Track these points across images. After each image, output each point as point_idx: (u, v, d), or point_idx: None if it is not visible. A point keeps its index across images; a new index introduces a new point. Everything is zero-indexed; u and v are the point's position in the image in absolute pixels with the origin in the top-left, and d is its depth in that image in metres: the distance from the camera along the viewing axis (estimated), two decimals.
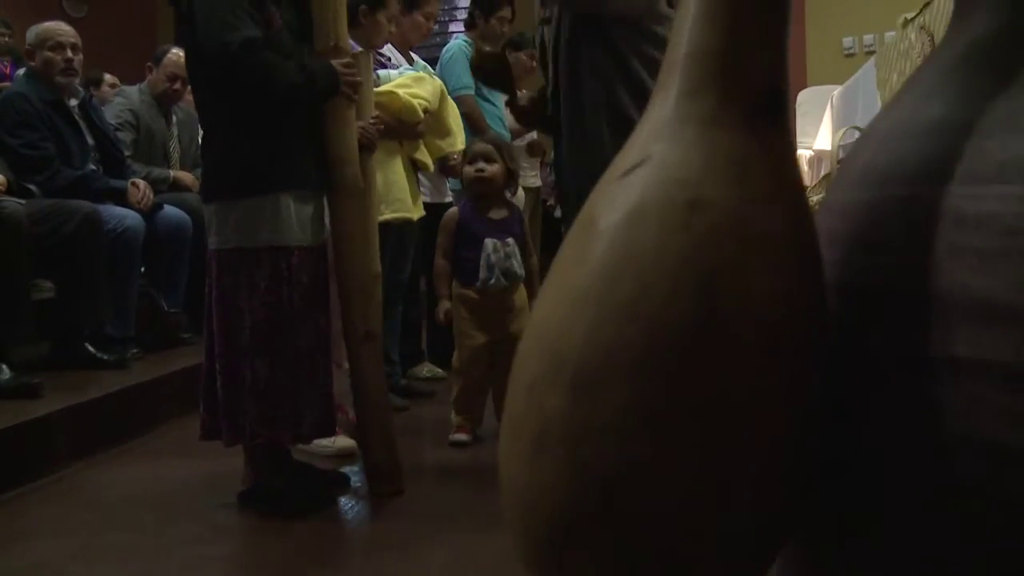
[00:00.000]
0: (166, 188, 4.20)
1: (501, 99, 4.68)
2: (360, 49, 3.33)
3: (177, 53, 4.33)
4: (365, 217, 2.53)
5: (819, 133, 6.09)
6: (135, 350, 3.61)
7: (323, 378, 2.44)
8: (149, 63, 4.27)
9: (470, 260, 2.99)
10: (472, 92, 4.45)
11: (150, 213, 3.74)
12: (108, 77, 7.10)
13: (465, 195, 3.17)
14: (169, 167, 4.31)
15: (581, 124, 2.18)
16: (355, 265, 2.52)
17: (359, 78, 2.49)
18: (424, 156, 3.58)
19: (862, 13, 7.48)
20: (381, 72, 3.47)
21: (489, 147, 3.06)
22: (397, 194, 3.41)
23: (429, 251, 3.83)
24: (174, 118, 4.37)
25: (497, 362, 3.04)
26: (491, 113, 4.54)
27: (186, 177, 4.30)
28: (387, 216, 3.36)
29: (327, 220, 2.51)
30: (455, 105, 3.66)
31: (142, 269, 3.81)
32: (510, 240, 3.02)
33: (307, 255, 2.38)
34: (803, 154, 6.26)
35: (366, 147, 2.74)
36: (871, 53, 7.56)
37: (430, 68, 3.68)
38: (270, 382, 2.30)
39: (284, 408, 2.33)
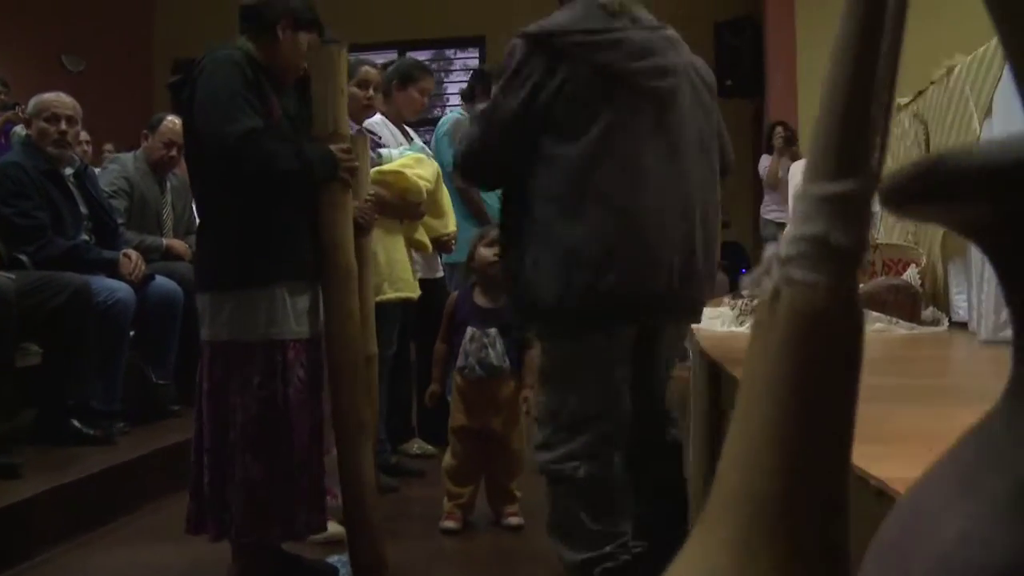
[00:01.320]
0: (159, 256, 4.18)
1: None
2: (358, 128, 3.37)
3: (173, 120, 4.33)
4: (359, 302, 2.51)
5: None
6: (121, 424, 3.55)
7: (316, 470, 2.39)
8: (145, 131, 4.27)
9: (457, 345, 3.03)
10: None
11: (141, 284, 3.70)
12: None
13: (470, 276, 3.16)
14: (162, 235, 4.29)
15: None
16: (347, 354, 2.48)
17: (357, 163, 2.48)
18: (423, 237, 3.59)
19: None
20: (383, 151, 3.49)
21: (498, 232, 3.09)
22: (400, 273, 3.41)
23: (419, 326, 3.82)
24: (168, 185, 4.36)
25: (493, 454, 3.01)
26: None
27: (179, 246, 4.27)
28: (390, 296, 3.36)
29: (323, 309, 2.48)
30: (446, 190, 3.68)
31: (131, 336, 3.76)
32: (491, 330, 3.00)
33: (302, 348, 2.34)
34: None
35: (362, 227, 2.74)
36: None
37: (427, 149, 3.69)
38: (262, 481, 2.25)
39: (276, 507, 2.28)
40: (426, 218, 3.54)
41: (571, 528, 2.11)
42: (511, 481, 3.08)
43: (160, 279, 3.85)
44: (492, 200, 4.56)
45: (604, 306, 2.05)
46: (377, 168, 3.34)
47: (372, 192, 3.02)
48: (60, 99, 3.67)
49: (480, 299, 3.03)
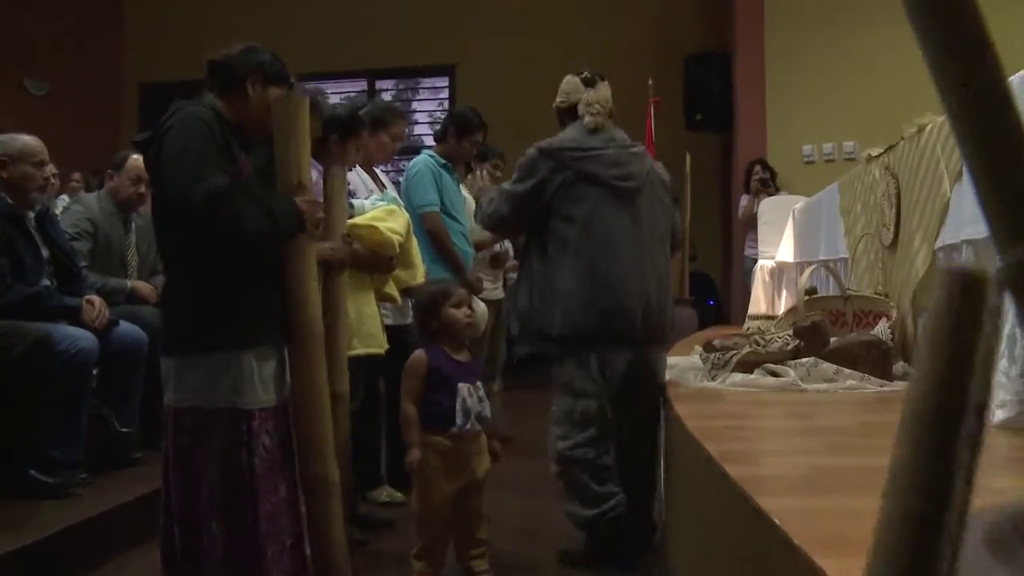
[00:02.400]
0: (123, 299, 4.10)
1: (466, 216, 4.68)
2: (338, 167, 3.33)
3: (137, 158, 4.27)
4: (334, 348, 2.48)
5: (781, 245, 6.15)
6: (83, 476, 3.46)
7: (291, 529, 2.35)
8: (109, 170, 4.19)
9: (440, 404, 2.87)
10: (438, 209, 4.45)
11: (105, 330, 3.62)
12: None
13: (428, 336, 3.04)
14: (127, 276, 4.21)
15: None
16: (314, 417, 2.44)
17: (322, 215, 2.45)
18: (392, 290, 3.55)
19: (822, 122, 7.65)
20: (355, 202, 3.45)
21: (465, 292, 3.05)
22: (370, 328, 3.37)
23: (389, 371, 3.75)
24: (133, 225, 4.28)
25: (461, 506, 2.95)
26: (455, 230, 4.53)
27: (144, 288, 4.19)
28: (359, 351, 3.32)
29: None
30: (415, 240, 3.64)
31: (94, 383, 3.67)
32: (479, 383, 2.96)
33: (268, 416, 2.30)
34: (764, 264, 6.32)
35: (335, 266, 2.70)
36: (830, 161, 7.73)
37: (399, 199, 3.65)
38: (230, 549, 2.20)
39: (247, 574, 2.22)
40: (396, 270, 3.49)
41: (582, 493, 3.08)
42: (480, 526, 3.02)
43: (124, 325, 3.77)
44: (462, 243, 4.55)
45: (589, 337, 3.04)
46: (350, 221, 3.30)
47: (347, 232, 2.99)
48: (39, 143, 3.60)
49: (457, 356, 2.97)
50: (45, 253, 3.65)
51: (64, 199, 5.20)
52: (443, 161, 4.59)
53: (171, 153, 2.18)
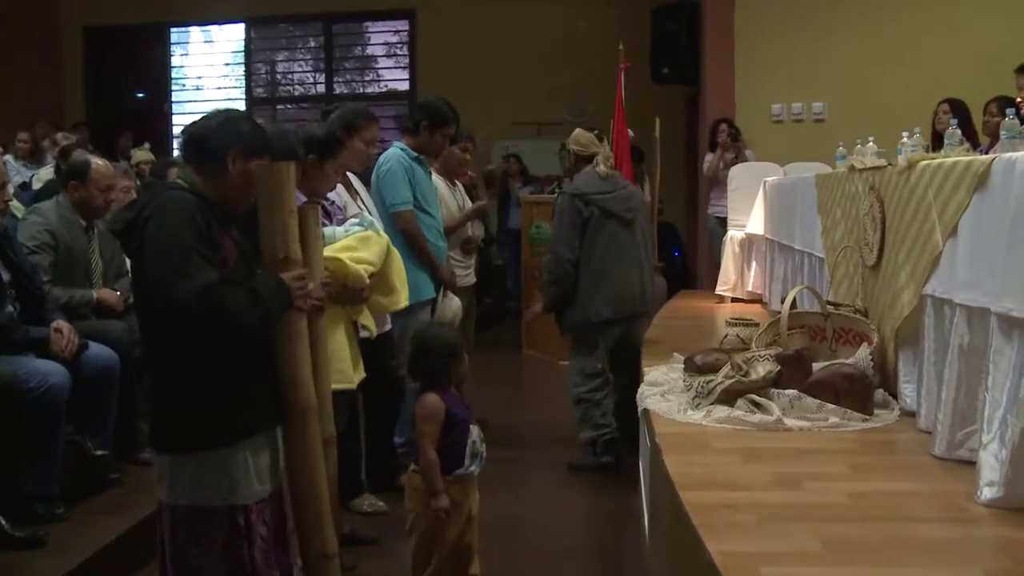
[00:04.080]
0: (90, 312, 3.98)
1: (439, 211, 4.60)
2: (305, 200, 3.21)
3: (98, 162, 4.10)
4: (320, 440, 2.43)
5: (752, 216, 6.14)
6: (60, 511, 3.40)
7: None
8: (73, 181, 4.00)
9: (451, 448, 2.85)
10: (411, 207, 4.35)
11: (75, 357, 3.52)
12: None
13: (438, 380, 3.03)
14: (91, 285, 4.07)
15: None
16: (310, 490, 2.41)
17: (311, 286, 2.37)
18: (367, 320, 3.47)
19: (792, 81, 7.58)
20: (326, 230, 3.33)
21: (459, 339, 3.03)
22: (338, 364, 3.29)
23: (369, 380, 3.68)
24: (95, 231, 4.12)
25: (456, 543, 2.95)
26: (429, 225, 4.44)
27: (110, 297, 4.07)
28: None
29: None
30: (399, 259, 3.54)
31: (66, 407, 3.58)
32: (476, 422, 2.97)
33: (265, 506, 2.26)
34: (735, 235, 6.32)
35: (317, 309, 2.62)
36: (799, 122, 7.69)
37: (376, 223, 3.53)
38: None
39: None
40: (375, 295, 3.41)
41: (591, 420, 4.53)
42: (472, 561, 3.04)
43: (95, 347, 3.66)
44: (435, 239, 4.47)
45: (604, 320, 4.47)
46: None
47: (327, 276, 2.90)
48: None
49: (460, 398, 2.97)
50: (6, 277, 3.51)
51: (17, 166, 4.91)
52: (415, 154, 4.46)
53: (153, 249, 2.08)
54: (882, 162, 3.48)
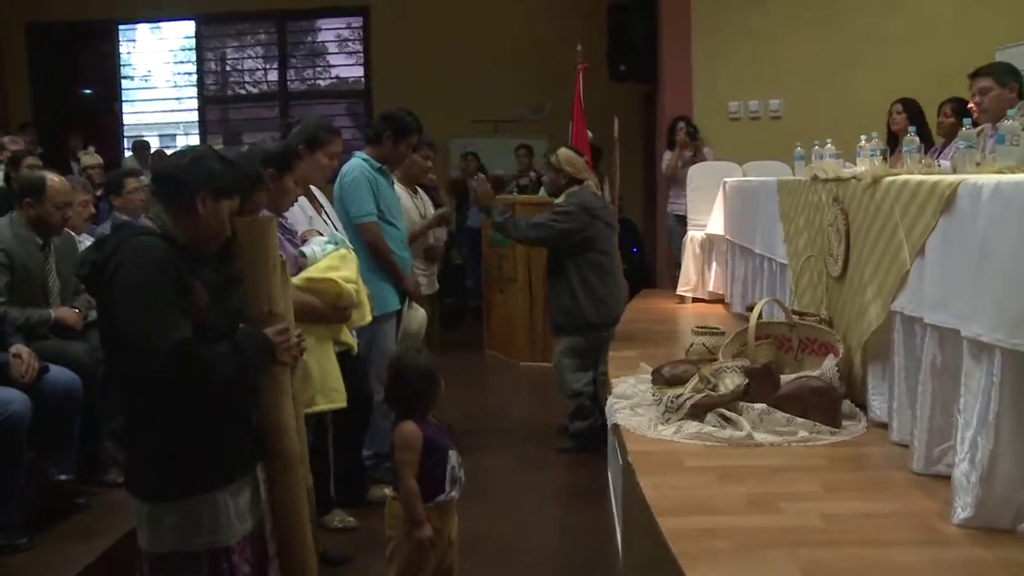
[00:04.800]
0: (47, 331, 3.89)
1: (403, 222, 4.57)
2: (265, 212, 3.17)
3: (53, 178, 3.99)
4: (304, 489, 2.42)
5: (712, 217, 6.18)
6: (22, 540, 3.33)
7: None
8: (27, 199, 3.89)
9: (430, 474, 2.84)
10: (375, 218, 4.32)
11: (35, 382, 3.44)
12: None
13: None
14: (49, 303, 3.98)
15: None
16: (297, 542, 2.40)
17: (294, 340, 2.35)
18: (348, 338, 3.45)
19: (748, 79, 7.63)
20: (306, 251, 3.31)
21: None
22: (332, 384, 3.29)
23: None
24: (51, 247, 4.02)
25: (436, 568, 2.94)
26: (394, 237, 4.42)
27: (68, 316, 3.97)
28: (322, 407, 3.26)
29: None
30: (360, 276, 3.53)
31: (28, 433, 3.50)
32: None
33: (247, 544, 2.24)
34: (695, 235, 6.36)
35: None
36: (755, 119, 7.76)
37: (347, 242, 3.50)
38: None
39: None
40: None
41: (583, 412, 4.94)
42: None
43: (55, 370, 3.58)
44: (399, 249, 4.44)
45: (606, 322, 4.90)
46: (306, 276, 3.18)
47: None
48: None
49: (437, 423, 2.95)
50: None
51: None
52: (378, 165, 4.43)
53: (127, 304, 2.03)
54: (845, 173, 3.51)
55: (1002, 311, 2.16)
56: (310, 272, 3.20)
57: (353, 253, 3.45)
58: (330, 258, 3.30)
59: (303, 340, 2.49)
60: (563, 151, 4.99)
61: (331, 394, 3.30)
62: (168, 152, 10.03)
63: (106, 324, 2.14)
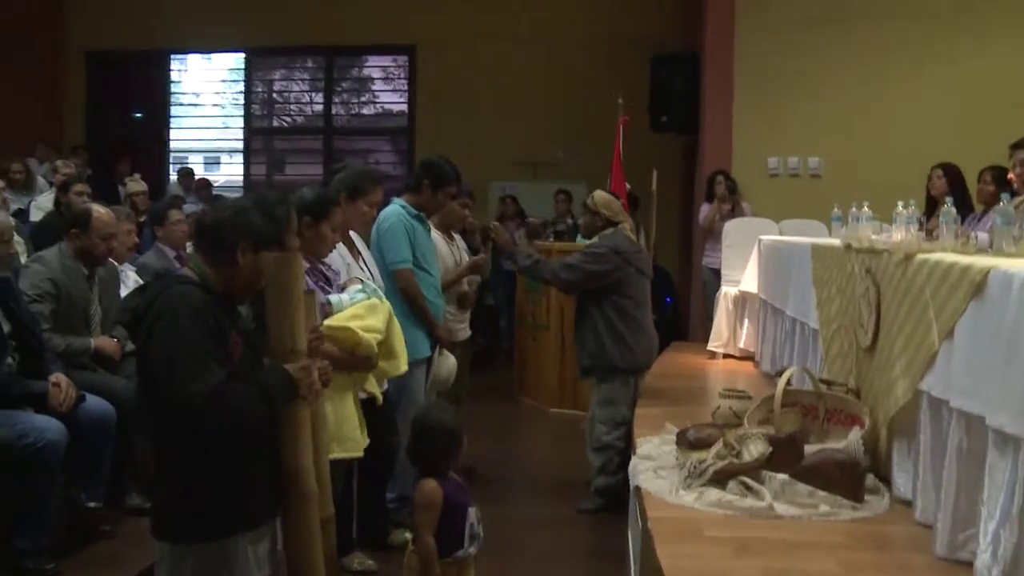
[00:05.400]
0: (88, 359, 3.99)
1: (438, 268, 4.63)
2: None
3: (99, 210, 4.12)
4: (319, 529, 2.45)
5: (746, 274, 6.18)
6: (50, 565, 3.39)
7: None
8: (74, 229, 4.02)
9: (448, 531, 2.86)
10: (411, 265, 4.38)
11: (71, 411, 3.53)
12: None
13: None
14: (90, 332, 4.08)
15: None
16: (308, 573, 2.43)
17: (315, 377, 2.40)
18: (373, 387, 3.49)
19: (788, 137, 7.65)
20: (332, 298, 3.36)
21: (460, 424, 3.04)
22: (348, 432, 3.32)
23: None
24: (96, 278, 4.14)
25: None
26: (427, 283, 4.48)
27: (108, 345, 4.07)
28: (338, 455, 3.27)
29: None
30: (398, 324, 3.56)
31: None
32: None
33: None
34: (728, 291, 6.37)
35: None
36: (795, 176, 7.77)
37: (379, 292, 3.56)
38: None
39: None
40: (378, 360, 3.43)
41: (610, 467, 4.65)
42: None
43: (92, 399, 3.67)
44: (433, 296, 4.50)
45: (636, 368, 4.79)
46: (327, 323, 3.23)
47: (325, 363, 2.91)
48: (7, 219, 3.47)
49: (458, 480, 2.99)
50: (6, 328, 3.52)
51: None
52: (415, 212, 4.50)
53: (163, 348, 2.11)
54: (879, 245, 3.52)
55: None
56: (331, 320, 3.24)
57: (385, 303, 3.49)
58: (357, 307, 3.34)
59: (327, 373, 2.56)
60: (599, 193, 4.90)
61: (346, 443, 3.32)
62: (210, 177, 10.29)
63: (144, 370, 2.21)
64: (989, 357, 2.37)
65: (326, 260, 3.55)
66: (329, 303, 3.35)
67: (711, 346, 6.34)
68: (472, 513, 2.92)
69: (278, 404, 2.25)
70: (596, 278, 4.63)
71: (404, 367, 3.58)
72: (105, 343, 4.09)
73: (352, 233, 4.03)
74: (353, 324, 3.25)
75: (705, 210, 7.55)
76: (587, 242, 4.98)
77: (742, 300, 6.25)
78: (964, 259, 2.72)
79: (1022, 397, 2.18)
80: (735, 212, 7.31)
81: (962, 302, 2.58)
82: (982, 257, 2.74)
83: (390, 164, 10.97)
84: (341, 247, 3.82)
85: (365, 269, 3.97)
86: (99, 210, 4.11)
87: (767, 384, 4.85)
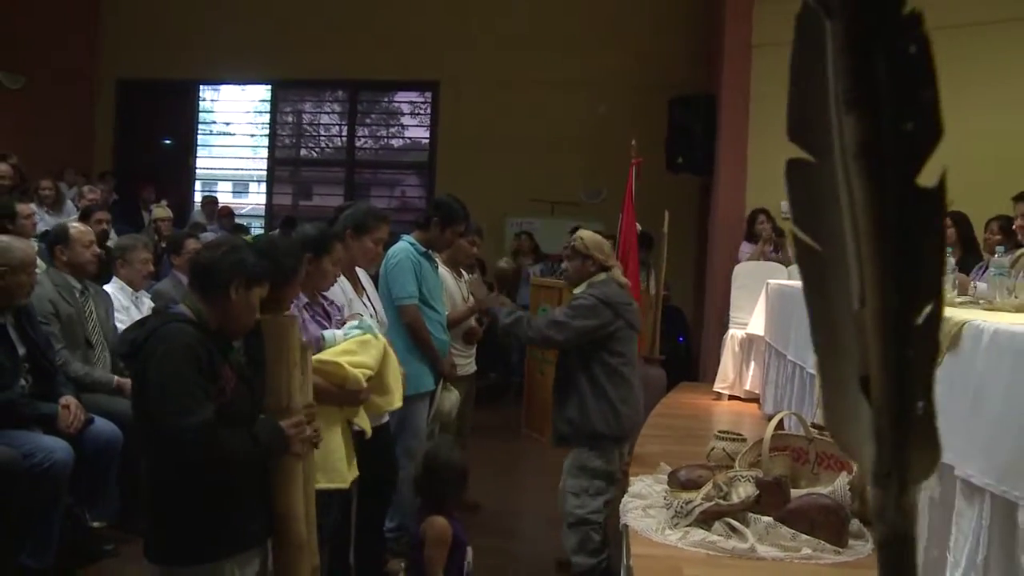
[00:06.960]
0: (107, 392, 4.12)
1: (443, 305, 4.73)
2: (306, 300, 3.35)
3: (79, 226, 4.32)
4: (309, 570, 2.54)
5: (754, 316, 6.23)
6: None
7: None
8: (58, 246, 4.21)
9: (453, 567, 2.97)
10: (416, 301, 4.48)
11: (79, 432, 3.65)
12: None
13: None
14: (92, 347, 4.20)
15: None
16: None
17: (308, 432, 2.51)
18: (363, 421, 3.55)
19: None
20: (327, 334, 3.45)
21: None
22: (335, 463, 3.38)
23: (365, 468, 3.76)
24: (89, 291, 4.29)
25: None
26: (433, 319, 4.56)
27: (127, 387, 4.19)
28: (323, 486, 3.33)
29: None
30: (395, 360, 3.64)
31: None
32: None
33: None
34: (736, 333, 6.41)
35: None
36: None
37: (374, 328, 3.65)
38: None
39: None
40: (372, 397, 3.51)
41: (588, 546, 3.99)
42: None
43: (99, 421, 3.79)
44: (438, 332, 4.59)
45: (620, 436, 4.11)
46: (317, 357, 3.32)
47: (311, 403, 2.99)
48: (33, 251, 3.63)
49: (456, 517, 3.07)
50: (21, 351, 3.66)
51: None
52: (423, 249, 4.61)
53: (156, 382, 2.23)
54: None
55: (992, 456, 2.21)
56: (322, 355, 3.31)
57: (380, 339, 3.57)
58: (349, 342, 3.41)
59: (318, 433, 2.66)
60: (587, 233, 4.25)
61: (331, 474, 3.37)
62: (236, 204, 10.50)
63: (138, 401, 2.32)
64: (959, 408, 2.42)
65: (327, 295, 3.65)
66: (323, 338, 3.44)
67: (717, 387, 6.38)
68: (469, 552, 3.01)
69: (267, 455, 2.37)
70: (586, 334, 3.98)
71: (398, 403, 3.65)
72: (126, 385, 4.20)
73: (358, 269, 4.14)
74: (343, 359, 3.32)
75: (745, 249, 7.38)
76: (569, 284, 4.38)
77: (749, 342, 6.29)
78: (946, 312, 2.78)
79: (986, 448, 2.23)
80: (780, 256, 7.12)
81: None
82: (963, 310, 2.80)
83: (416, 198, 11.14)
84: (344, 282, 3.92)
85: (368, 305, 4.07)
86: (76, 225, 4.34)
87: (767, 427, 4.89)
